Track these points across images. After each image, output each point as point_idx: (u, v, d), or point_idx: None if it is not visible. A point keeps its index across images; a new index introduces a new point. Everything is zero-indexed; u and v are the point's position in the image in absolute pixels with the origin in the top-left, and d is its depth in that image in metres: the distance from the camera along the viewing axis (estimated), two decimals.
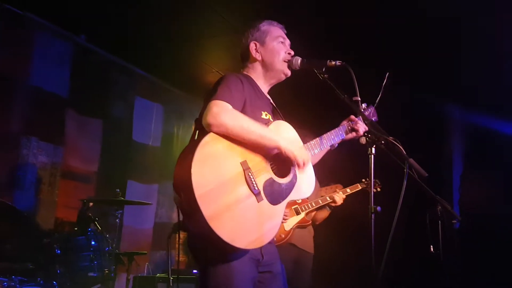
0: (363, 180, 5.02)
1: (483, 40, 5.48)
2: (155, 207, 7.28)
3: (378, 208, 2.40)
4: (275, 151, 2.54)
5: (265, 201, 2.45)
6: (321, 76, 2.74)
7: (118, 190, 5.30)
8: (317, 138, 2.89)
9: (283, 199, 2.56)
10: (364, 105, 3.13)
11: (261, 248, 2.46)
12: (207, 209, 2.20)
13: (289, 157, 2.55)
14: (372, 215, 2.40)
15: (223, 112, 2.38)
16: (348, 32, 5.56)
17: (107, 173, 6.45)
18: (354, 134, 3.02)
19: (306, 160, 2.62)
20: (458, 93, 6.59)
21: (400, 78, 5.76)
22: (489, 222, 6.24)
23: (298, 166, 2.59)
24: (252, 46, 2.89)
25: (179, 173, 2.32)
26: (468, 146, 7.18)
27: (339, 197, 4.89)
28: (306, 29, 5.09)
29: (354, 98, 2.72)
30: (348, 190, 4.97)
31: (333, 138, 2.96)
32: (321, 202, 4.84)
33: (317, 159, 3.08)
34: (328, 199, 4.85)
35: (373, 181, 4.97)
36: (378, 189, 5.01)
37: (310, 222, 4.90)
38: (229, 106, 2.43)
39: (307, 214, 4.82)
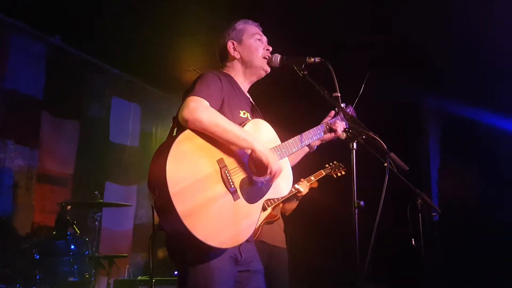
0: (326, 165, 5.06)
1: (458, 25, 5.51)
2: (135, 208, 7.24)
3: (362, 202, 2.42)
4: (249, 151, 2.53)
5: (241, 199, 2.44)
6: (301, 73, 2.75)
7: (97, 192, 5.26)
8: (297, 136, 2.89)
9: (260, 197, 2.56)
10: (343, 105, 3.16)
11: (239, 246, 2.45)
12: (181, 207, 2.18)
13: (262, 162, 2.50)
14: (356, 210, 2.42)
15: (199, 108, 2.37)
16: (325, 28, 5.60)
17: (84, 175, 6.39)
18: (332, 134, 3.04)
19: (278, 171, 2.53)
20: (433, 81, 6.66)
21: (374, 68, 5.93)
22: (467, 213, 6.36)
23: (269, 173, 2.51)
24: (229, 45, 2.90)
25: (153, 170, 2.29)
26: (445, 137, 7.27)
27: (303, 186, 4.91)
28: (283, 26, 5.11)
29: (334, 94, 2.74)
30: (312, 178, 5.00)
31: (311, 136, 2.95)
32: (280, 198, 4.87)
33: (296, 159, 3.09)
34: (293, 190, 4.87)
35: (335, 165, 5.08)
36: (343, 173, 5.06)
37: (278, 216, 4.88)
38: (206, 103, 2.43)
39: (273, 208, 4.81)
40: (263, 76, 2.95)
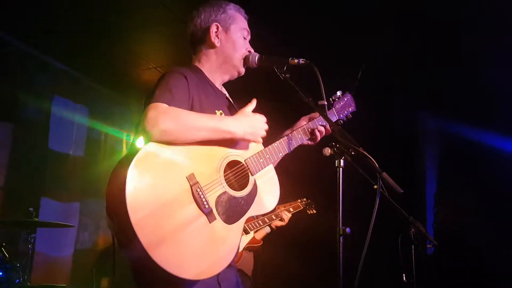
0: (299, 200, 5.25)
1: (457, 40, 5.75)
2: (76, 230, 7.14)
3: (347, 229, 2.45)
4: (232, 144, 2.58)
5: (218, 220, 2.44)
6: (282, 76, 2.79)
7: (32, 209, 5.19)
8: (283, 138, 2.90)
9: (241, 216, 2.56)
10: (338, 93, 3.20)
11: (217, 275, 2.44)
12: (146, 237, 2.16)
13: (249, 141, 2.62)
14: (341, 238, 2.45)
15: (161, 116, 2.34)
16: (312, 30, 5.69)
17: (17, 189, 6.30)
18: (311, 139, 3.07)
19: (261, 127, 2.67)
20: (431, 99, 6.83)
21: (367, 83, 6.09)
22: (467, 246, 6.45)
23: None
24: (213, 28, 2.87)
25: (111, 195, 2.26)
26: (443, 159, 7.40)
27: (287, 216, 5.05)
28: (264, 23, 5.15)
29: (320, 102, 2.78)
30: (291, 209, 5.17)
31: (300, 137, 2.99)
32: (267, 221, 4.96)
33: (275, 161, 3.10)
34: (274, 217, 4.97)
35: (307, 202, 5.29)
36: (314, 211, 5.25)
37: (261, 243, 4.96)
38: (165, 106, 2.41)
39: (256, 232, 4.87)
40: (235, 77, 2.98)
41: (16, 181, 6.32)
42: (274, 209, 5.08)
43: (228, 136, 2.53)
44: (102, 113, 7.70)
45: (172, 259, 2.22)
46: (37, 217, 5.66)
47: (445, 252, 5.78)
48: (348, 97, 3.28)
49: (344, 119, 3.25)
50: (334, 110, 3.18)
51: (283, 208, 5.20)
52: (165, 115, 2.36)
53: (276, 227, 5.15)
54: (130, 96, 7.47)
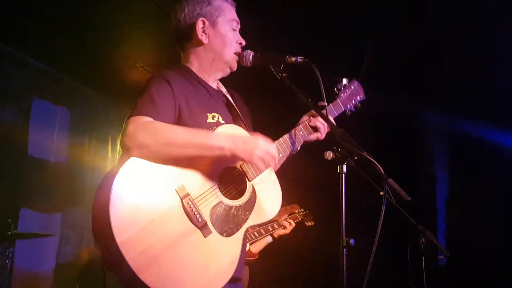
0: (296, 210, 5.23)
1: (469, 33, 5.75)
2: (58, 242, 7.12)
3: (352, 240, 2.44)
4: (224, 160, 2.52)
5: (214, 233, 2.43)
6: (279, 75, 2.78)
7: (10, 220, 5.18)
8: (284, 136, 2.88)
9: (240, 226, 2.54)
10: (345, 81, 3.18)
11: None
12: (134, 259, 2.16)
13: (244, 160, 2.54)
14: (344, 250, 2.44)
15: (139, 130, 2.34)
16: (312, 26, 5.70)
17: None
18: (316, 135, 3.05)
19: (272, 154, 2.57)
20: (440, 95, 6.83)
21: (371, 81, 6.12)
22: (481, 257, 6.45)
23: (265, 166, 2.56)
24: (199, 24, 2.84)
25: (95, 215, 2.25)
26: (454, 162, 7.40)
27: (290, 224, 5.04)
28: (257, 17, 5.15)
29: (320, 103, 2.78)
30: (292, 222, 5.18)
31: (302, 134, 2.97)
32: (263, 232, 4.95)
33: (278, 164, 3.06)
34: (276, 226, 4.96)
35: (305, 213, 5.29)
36: (312, 223, 5.24)
37: (257, 256, 4.94)
38: (147, 119, 2.39)
39: (252, 244, 4.85)
40: (228, 74, 2.96)
41: None
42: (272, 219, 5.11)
43: (217, 152, 2.45)
44: (85, 116, 7.69)
45: (165, 280, 2.21)
46: (16, 229, 5.67)
47: (458, 263, 5.78)
48: (355, 85, 3.25)
49: (353, 109, 3.23)
50: (339, 101, 3.15)
51: (282, 216, 5.18)
52: (143, 129, 2.36)
53: (279, 236, 5.14)
54: (115, 97, 7.46)
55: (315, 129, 3.03)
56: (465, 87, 6.53)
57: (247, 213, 2.58)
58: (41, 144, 7.06)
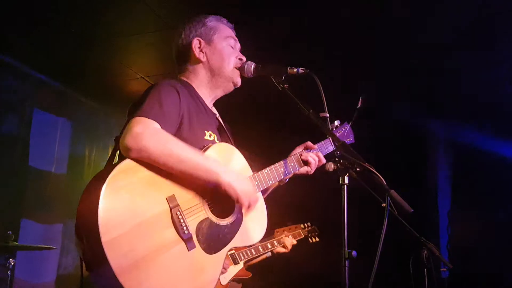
0: (302, 225, 5.23)
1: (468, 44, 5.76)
2: (59, 254, 7.12)
3: (354, 252, 2.43)
4: (213, 185, 2.51)
5: (198, 248, 2.42)
6: (280, 86, 2.78)
7: (10, 232, 5.17)
8: (276, 164, 2.91)
9: (223, 246, 2.54)
10: (337, 123, 3.22)
11: None
12: (116, 260, 2.13)
13: (231, 196, 2.53)
14: (346, 262, 2.43)
15: (146, 134, 2.34)
16: (314, 37, 5.71)
17: None
18: (306, 169, 3.08)
19: (253, 200, 2.61)
20: (441, 107, 6.84)
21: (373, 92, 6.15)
22: (485, 269, 6.43)
23: (243, 207, 2.58)
24: (195, 43, 2.91)
25: (82, 211, 2.24)
26: (456, 173, 7.39)
27: (289, 242, 5.03)
28: (256, 30, 5.16)
29: (322, 114, 2.77)
30: (294, 240, 5.17)
31: (293, 166, 3.00)
32: (261, 250, 4.93)
33: (264, 194, 3.08)
34: (276, 243, 4.95)
35: (311, 228, 5.28)
36: (316, 239, 5.23)
37: (250, 275, 4.92)
38: (155, 126, 2.40)
39: (245, 263, 4.84)
40: (231, 90, 2.98)
41: None
42: (272, 235, 5.10)
43: (209, 177, 2.47)
44: (86, 127, 7.71)
45: (142, 286, 2.19)
46: (17, 240, 5.65)
47: (461, 275, 5.75)
48: (347, 128, 3.34)
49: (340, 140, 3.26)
50: (330, 140, 3.18)
51: (283, 233, 5.18)
52: (151, 135, 2.36)
53: (278, 253, 5.13)
54: (116, 108, 7.45)
55: (306, 163, 3.06)
56: (468, 98, 6.54)
57: (233, 233, 2.60)
58: (42, 155, 7.06)
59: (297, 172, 3.06)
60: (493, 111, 6.56)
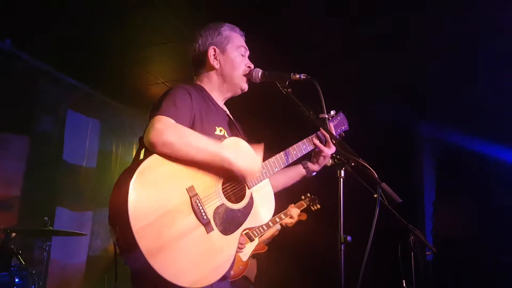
0: (303, 197, 5.26)
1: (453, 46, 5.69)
2: (89, 238, 7.15)
3: (349, 237, 2.44)
4: (228, 171, 2.54)
5: (215, 231, 2.45)
6: (284, 91, 2.79)
7: (47, 218, 5.19)
8: (281, 153, 2.92)
9: (238, 227, 2.56)
10: (332, 112, 3.21)
11: (212, 285, 2.42)
12: (146, 245, 2.17)
13: (243, 177, 2.59)
14: (342, 246, 2.44)
15: (167, 129, 2.37)
16: (312, 44, 5.70)
17: (33, 199, 6.30)
18: (317, 143, 3.03)
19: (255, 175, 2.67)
20: (427, 107, 6.81)
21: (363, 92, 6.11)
22: (464, 253, 6.42)
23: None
24: (210, 51, 2.92)
25: (114, 204, 2.27)
26: (440, 167, 7.37)
27: (295, 212, 5.08)
28: (265, 40, 5.16)
29: (321, 115, 2.78)
30: (298, 210, 5.21)
31: (295, 153, 2.98)
32: (271, 224, 4.96)
33: (291, 181, 3.12)
34: (283, 216, 5.00)
35: (311, 197, 5.31)
36: (318, 207, 5.25)
37: (266, 248, 4.95)
38: (172, 121, 2.43)
39: (261, 237, 4.87)
40: (239, 94, 2.99)
41: (32, 191, 6.33)
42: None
43: (226, 164, 2.51)
44: (113, 126, 7.76)
45: (170, 267, 2.22)
46: (52, 225, 5.69)
47: (444, 258, 5.75)
48: (341, 116, 3.30)
49: (338, 137, 3.25)
50: (311, 139, 3.13)
51: (293, 205, 5.26)
52: (171, 129, 2.39)
53: (286, 224, 5.18)
54: (140, 110, 7.47)
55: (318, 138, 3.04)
56: (454, 99, 6.50)
57: (245, 216, 2.62)
58: (74, 151, 7.11)
59: (307, 151, 3.03)
60: (475, 110, 6.52)
